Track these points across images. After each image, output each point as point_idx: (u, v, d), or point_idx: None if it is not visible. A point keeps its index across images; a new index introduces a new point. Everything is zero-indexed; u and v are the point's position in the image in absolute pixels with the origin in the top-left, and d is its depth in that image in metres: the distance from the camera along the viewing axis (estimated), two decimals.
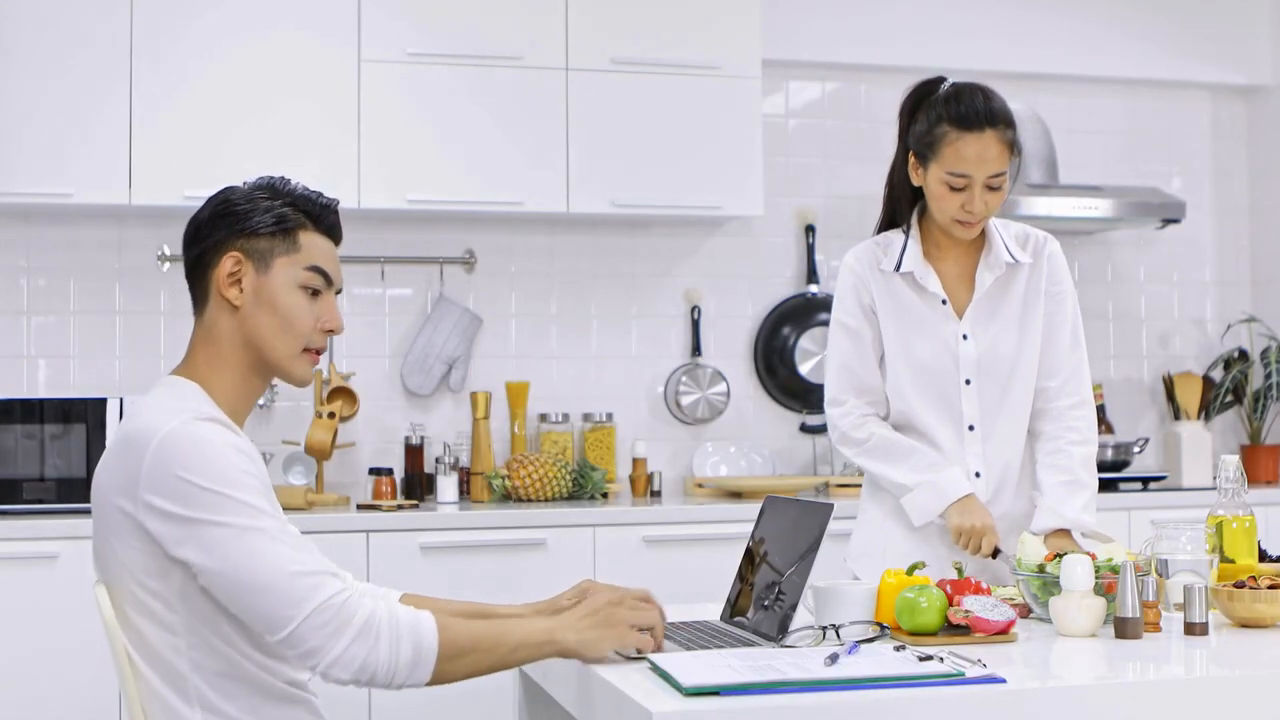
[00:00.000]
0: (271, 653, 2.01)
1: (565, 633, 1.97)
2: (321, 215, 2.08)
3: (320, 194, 2.10)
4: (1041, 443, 2.87)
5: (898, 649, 2.00)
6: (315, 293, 2.07)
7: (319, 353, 2.10)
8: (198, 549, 1.88)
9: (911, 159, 2.81)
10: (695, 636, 2.20)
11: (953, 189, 2.74)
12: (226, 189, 2.08)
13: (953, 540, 2.76)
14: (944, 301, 2.84)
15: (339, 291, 2.12)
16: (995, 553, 2.74)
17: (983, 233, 2.86)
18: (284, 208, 2.05)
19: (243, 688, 1.97)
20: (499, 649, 1.94)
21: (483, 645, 1.93)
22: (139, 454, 1.90)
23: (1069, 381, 2.87)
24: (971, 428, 2.83)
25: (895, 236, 2.89)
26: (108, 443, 1.99)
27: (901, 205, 2.90)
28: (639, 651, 2.00)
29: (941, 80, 2.82)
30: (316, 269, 2.06)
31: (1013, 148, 2.75)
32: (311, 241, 2.06)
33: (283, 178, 2.09)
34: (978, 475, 2.83)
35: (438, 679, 1.93)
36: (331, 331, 2.09)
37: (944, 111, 2.74)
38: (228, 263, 2.02)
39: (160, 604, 1.93)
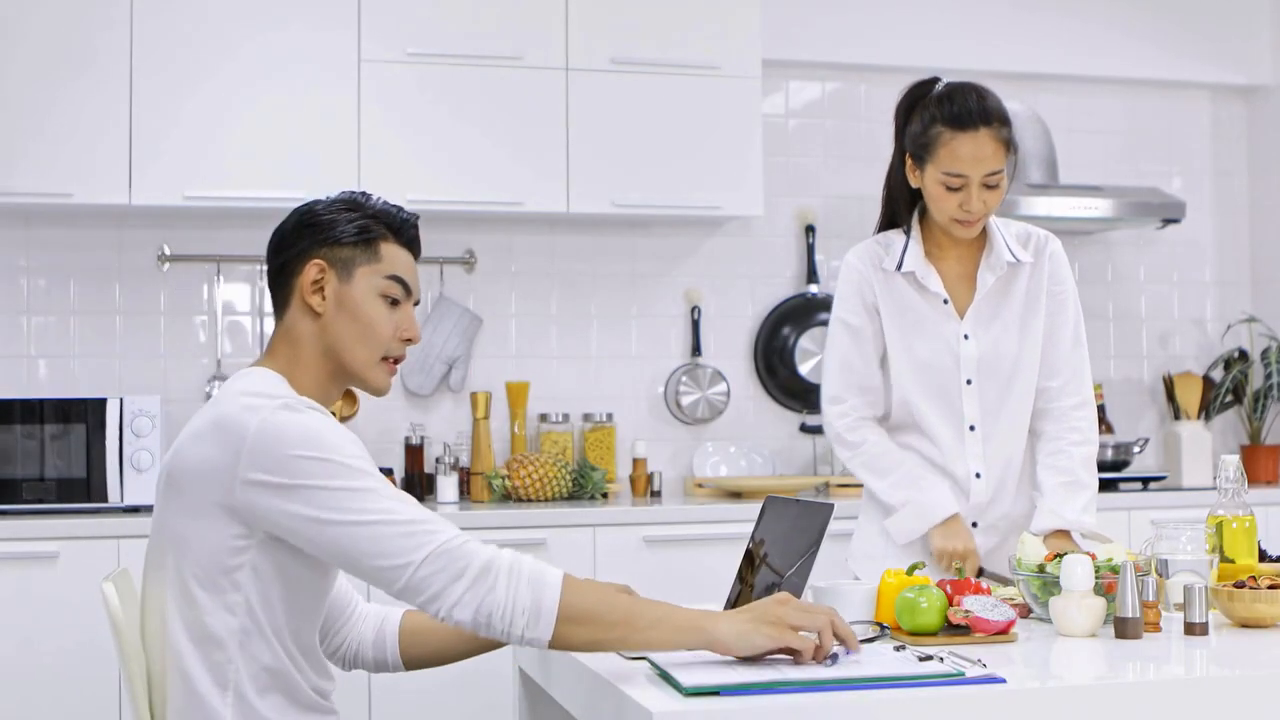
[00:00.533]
0: (310, 657, 2.04)
1: (718, 622, 1.87)
2: (402, 228, 2.13)
3: (401, 208, 2.15)
4: (1042, 443, 2.87)
5: (898, 649, 2.00)
6: (394, 302, 2.11)
7: (397, 362, 2.14)
8: (308, 516, 1.90)
9: (908, 161, 2.81)
10: None
11: (950, 189, 2.74)
12: (311, 201, 2.15)
13: (935, 562, 2.77)
14: (945, 301, 2.83)
15: (416, 303, 2.16)
16: (979, 573, 2.74)
17: (984, 232, 2.86)
18: (366, 219, 2.10)
19: (278, 684, 1.99)
20: (630, 624, 1.86)
21: (610, 616, 1.87)
22: (238, 435, 1.93)
23: (1070, 381, 2.86)
24: (972, 428, 2.83)
25: (896, 236, 2.89)
26: (192, 425, 2.01)
27: (900, 207, 2.90)
28: (796, 659, 1.88)
29: (936, 80, 2.82)
30: (397, 278, 2.11)
31: (1008, 145, 2.74)
32: (392, 252, 2.11)
33: (364, 192, 2.15)
34: (978, 476, 2.83)
35: (560, 641, 1.87)
36: (410, 341, 2.13)
37: (938, 112, 2.73)
38: (312, 270, 2.08)
39: (228, 582, 1.95)
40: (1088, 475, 2.83)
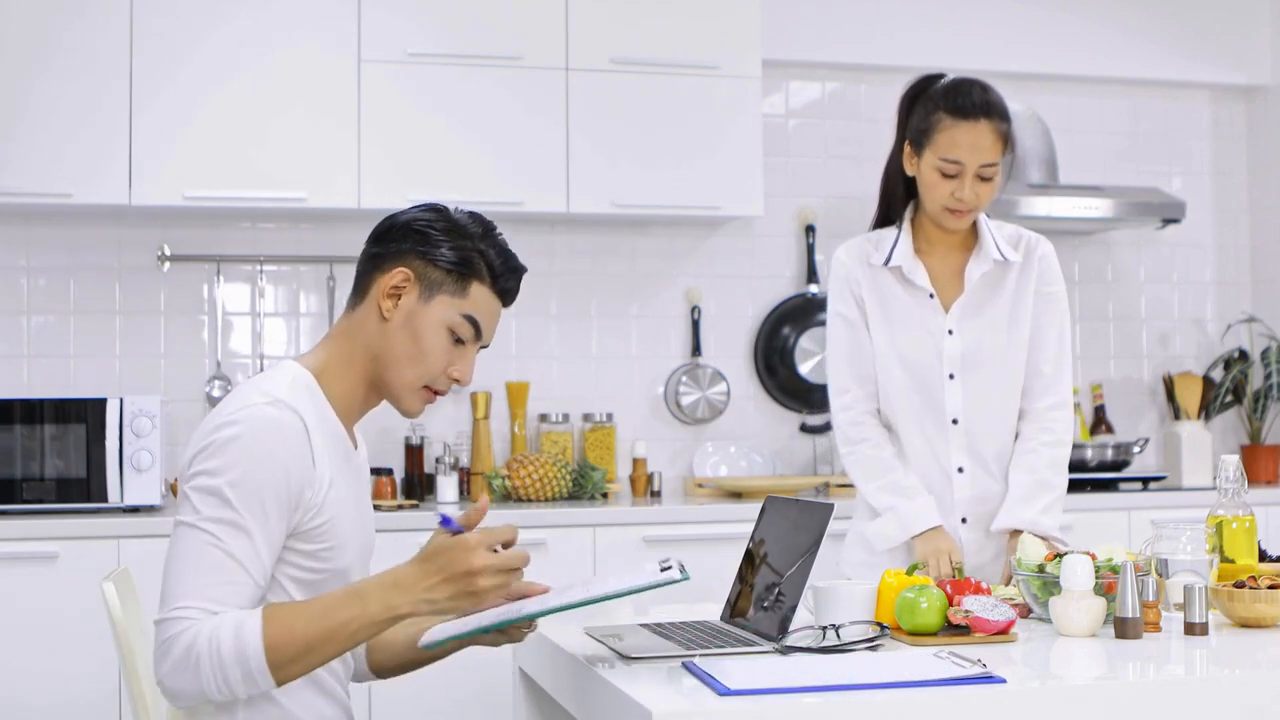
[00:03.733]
0: None
1: (417, 606, 1.87)
2: (501, 276, 2.09)
3: (513, 256, 2.11)
4: (1018, 443, 2.89)
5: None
6: (459, 340, 2.08)
7: (438, 394, 2.11)
8: (176, 514, 1.93)
9: (907, 147, 2.86)
10: (695, 636, 2.20)
11: (945, 175, 2.79)
12: (442, 208, 2.10)
13: (920, 565, 2.74)
14: (931, 295, 2.87)
15: (485, 346, 2.14)
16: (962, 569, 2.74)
17: (974, 231, 2.90)
18: (471, 252, 2.06)
19: None
20: (337, 638, 1.87)
21: (316, 642, 1.86)
22: (206, 422, 1.96)
23: (1051, 383, 2.90)
24: (955, 421, 2.85)
25: (887, 234, 2.95)
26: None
27: (895, 200, 2.95)
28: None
29: (941, 76, 2.89)
30: (471, 319, 2.07)
31: (1006, 141, 2.80)
32: (480, 294, 2.07)
33: (489, 223, 2.11)
34: (960, 470, 2.85)
35: (282, 680, 1.87)
36: (458, 381, 2.10)
37: (941, 101, 2.80)
38: (397, 275, 2.04)
39: None
40: (1055, 476, 2.84)
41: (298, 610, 1.88)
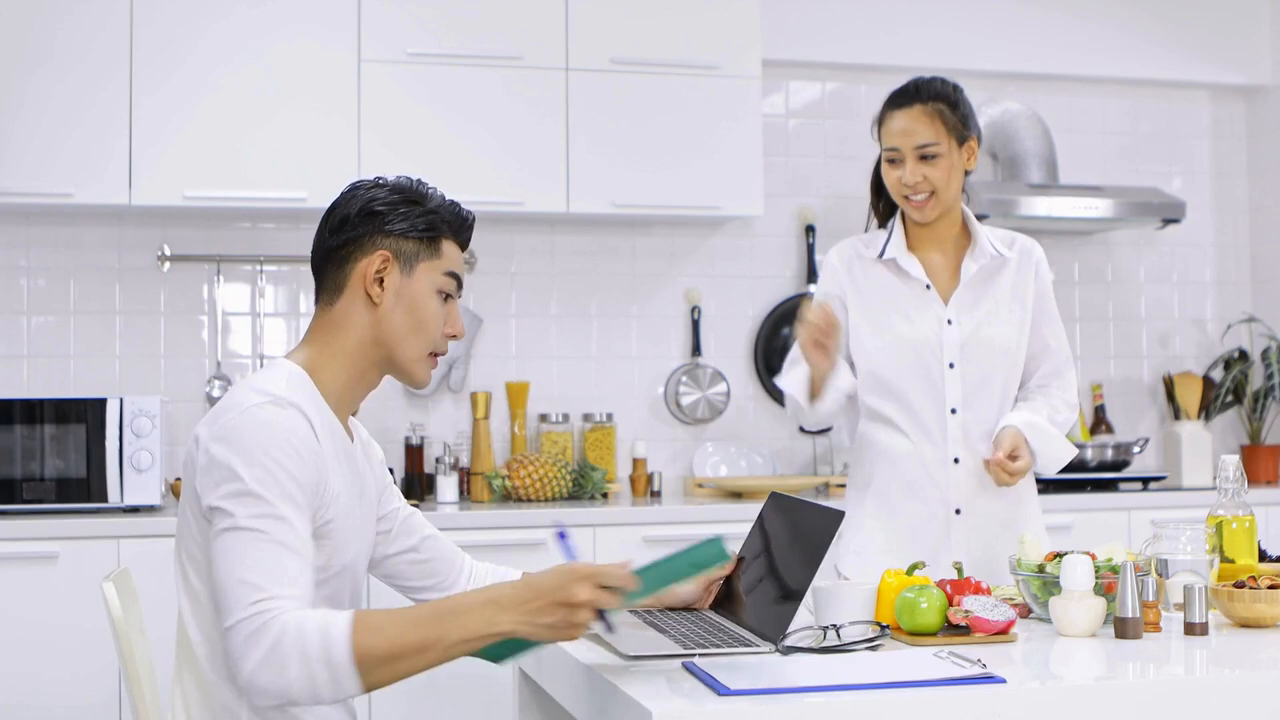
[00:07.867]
0: None
1: (517, 626, 1.83)
2: (461, 227, 2.14)
3: (459, 206, 2.15)
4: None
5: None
6: (447, 297, 2.12)
7: (439, 356, 2.15)
8: (211, 531, 1.90)
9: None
10: (694, 633, 2.19)
11: (890, 163, 2.87)
12: (370, 184, 2.11)
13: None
14: (928, 286, 2.89)
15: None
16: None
17: (966, 230, 2.95)
18: (431, 215, 2.09)
19: None
20: (432, 650, 1.83)
21: (408, 650, 1.82)
22: (211, 423, 1.95)
23: (1054, 377, 2.94)
24: (954, 410, 2.86)
25: (881, 232, 3.00)
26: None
27: (880, 205, 3.01)
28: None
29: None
30: (454, 275, 2.12)
31: (948, 123, 2.85)
32: (450, 249, 2.12)
33: (420, 181, 2.13)
34: (956, 461, 2.86)
35: (371, 686, 1.83)
36: (454, 336, 2.14)
37: (885, 100, 2.90)
38: (376, 260, 2.06)
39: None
40: (1050, 416, 2.87)
41: (390, 615, 1.85)
